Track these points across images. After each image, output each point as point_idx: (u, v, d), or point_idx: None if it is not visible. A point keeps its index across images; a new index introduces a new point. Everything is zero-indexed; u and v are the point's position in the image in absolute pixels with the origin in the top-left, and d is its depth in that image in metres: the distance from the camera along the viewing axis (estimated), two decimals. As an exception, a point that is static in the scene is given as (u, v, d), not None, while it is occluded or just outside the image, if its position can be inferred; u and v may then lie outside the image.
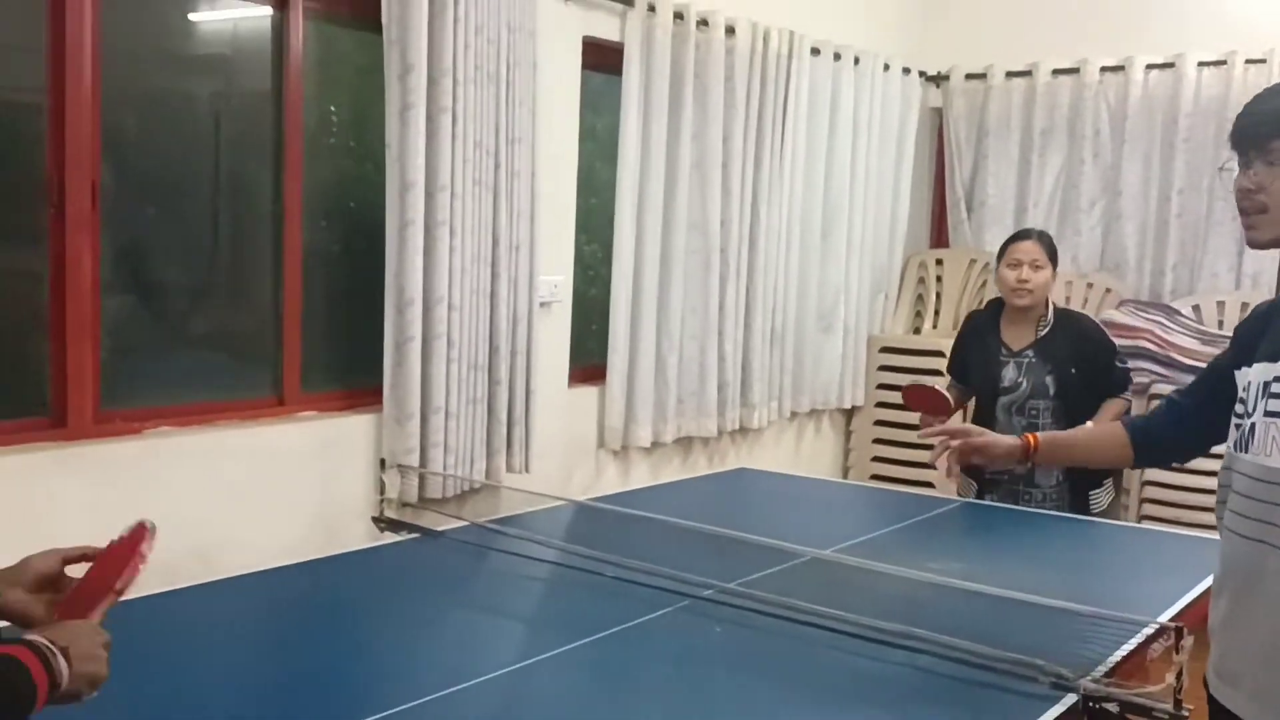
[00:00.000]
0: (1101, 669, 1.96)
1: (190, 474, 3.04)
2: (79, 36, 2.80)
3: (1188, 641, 1.85)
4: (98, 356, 2.91)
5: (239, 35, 3.31)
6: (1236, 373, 1.81)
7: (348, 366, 3.55)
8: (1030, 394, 3.47)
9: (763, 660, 2.03)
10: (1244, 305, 5.07)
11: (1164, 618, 2.24)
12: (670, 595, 2.29)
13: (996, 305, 3.63)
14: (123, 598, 1.37)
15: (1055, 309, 3.55)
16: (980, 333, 3.65)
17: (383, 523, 2.89)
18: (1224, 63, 5.07)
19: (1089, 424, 3.16)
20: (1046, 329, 3.49)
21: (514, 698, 1.86)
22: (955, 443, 2.19)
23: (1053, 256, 3.52)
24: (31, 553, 1.47)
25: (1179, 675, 1.83)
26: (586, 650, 2.03)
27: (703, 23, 4.30)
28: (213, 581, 2.45)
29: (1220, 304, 5.17)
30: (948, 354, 3.98)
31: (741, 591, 2.25)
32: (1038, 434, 2.17)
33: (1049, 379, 3.42)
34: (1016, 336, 3.53)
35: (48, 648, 1.19)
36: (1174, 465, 4.06)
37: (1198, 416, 1.99)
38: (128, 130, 3.04)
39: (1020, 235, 3.61)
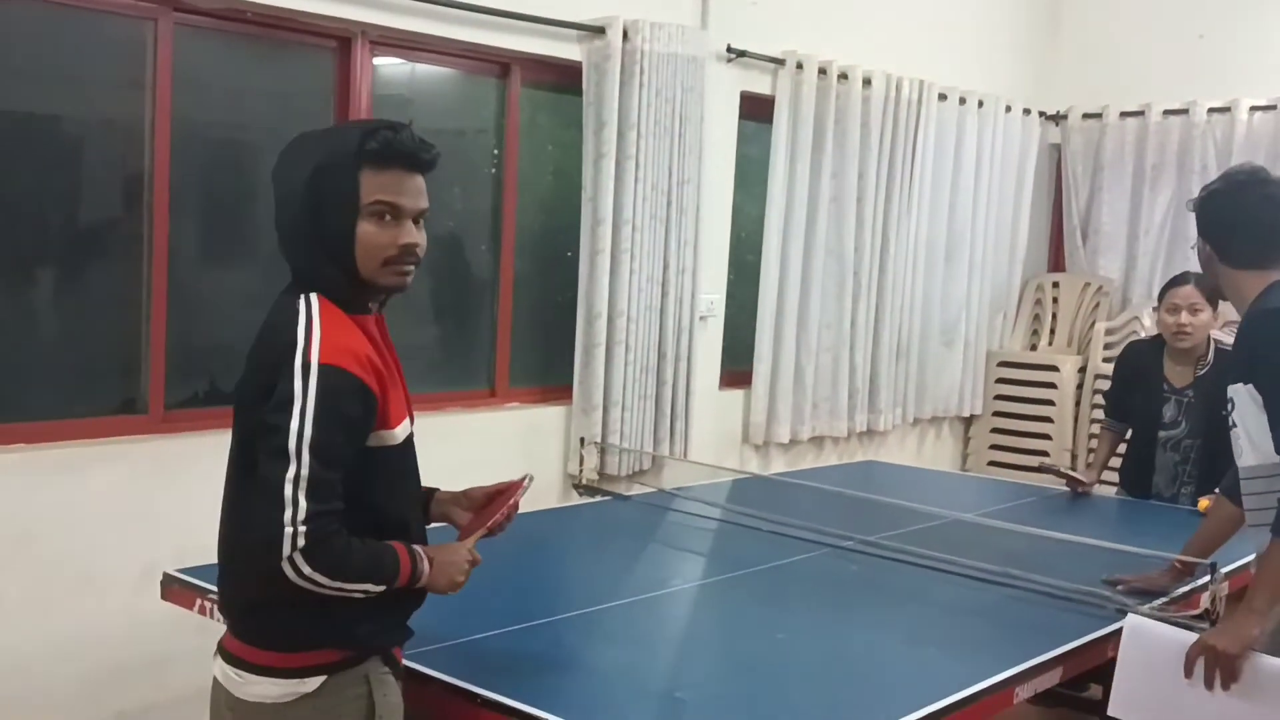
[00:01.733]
0: (1160, 600, 2.55)
1: (424, 453, 3.82)
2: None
3: (1220, 574, 2.43)
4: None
5: (466, 99, 4.11)
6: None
7: (545, 367, 4.32)
8: (1188, 434, 3.59)
9: (888, 590, 2.68)
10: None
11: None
12: (816, 545, 2.96)
13: (1159, 341, 3.69)
14: (496, 534, 1.90)
15: (1217, 348, 3.60)
16: (1142, 366, 3.72)
17: (581, 488, 3.64)
18: (1326, 105, 5.50)
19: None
20: (1206, 369, 3.56)
21: (698, 605, 2.56)
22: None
23: (1212, 298, 3.51)
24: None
25: (1214, 601, 2.41)
26: (747, 578, 2.71)
27: (843, 76, 4.96)
28: None
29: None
30: (1108, 383, 4.00)
31: (876, 542, 2.91)
32: (1188, 563, 2.60)
33: (1205, 419, 3.47)
34: (1178, 374, 3.62)
35: (418, 553, 1.78)
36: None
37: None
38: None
39: (1178, 280, 3.65)
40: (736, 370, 4.97)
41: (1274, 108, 5.65)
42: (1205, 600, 2.43)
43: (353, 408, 1.66)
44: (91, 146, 3.33)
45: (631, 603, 2.48)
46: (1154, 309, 6.07)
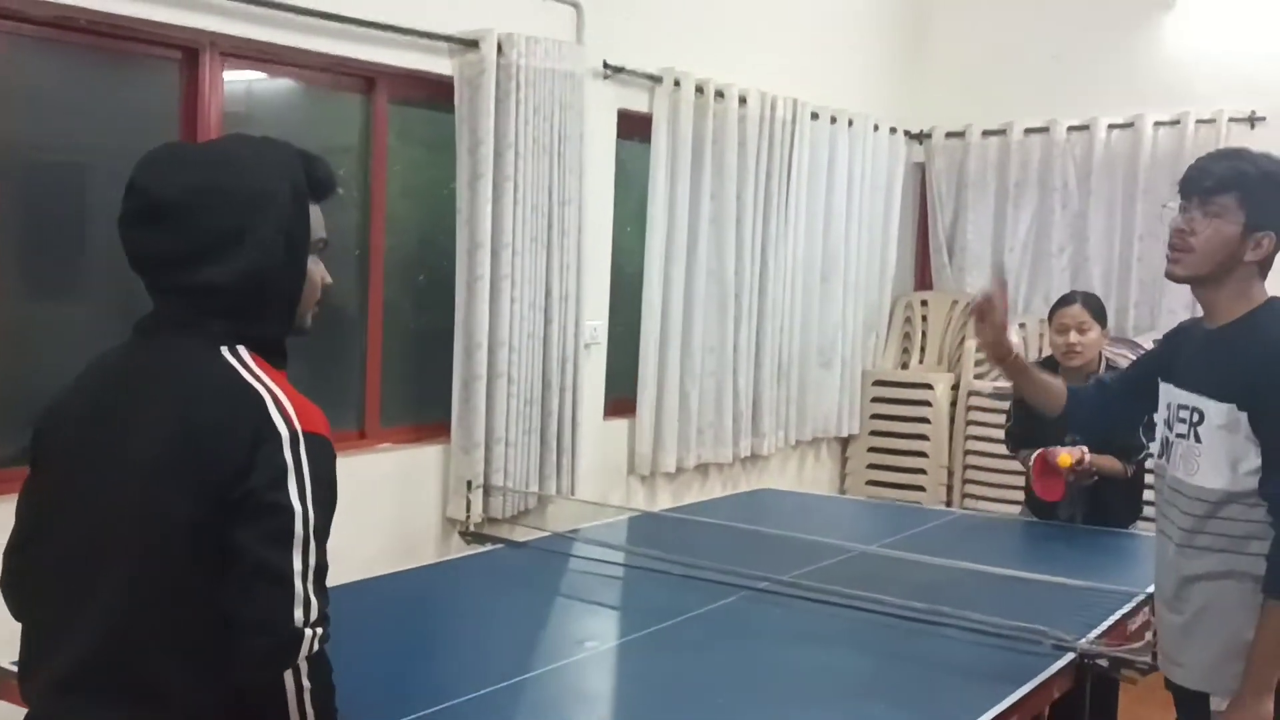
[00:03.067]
0: (1094, 632, 2.45)
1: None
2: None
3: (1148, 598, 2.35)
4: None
5: (329, 115, 3.80)
6: (1161, 383, 2.31)
7: (420, 404, 4.03)
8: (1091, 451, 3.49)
9: (820, 637, 2.51)
10: (1200, 340, 5.64)
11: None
12: (732, 587, 2.77)
13: (1051, 361, 3.66)
14: None
15: (1108, 364, 3.60)
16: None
17: (469, 535, 3.36)
18: (1177, 123, 5.66)
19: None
20: None
21: (622, 671, 2.33)
22: (980, 297, 2.43)
23: (1099, 316, 3.59)
24: None
25: (1155, 633, 2.33)
26: (671, 631, 2.50)
27: (720, 94, 4.83)
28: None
29: (1179, 339, 5.71)
30: (983, 399, 4.11)
31: (793, 582, 2.74)
32: (1018, 353, 2.51)
33: (1101, 438, 3.39)
34: None
35: None
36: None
37: (1120, 406, 2.49)
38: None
39: (1065, 300, 3.69)
40: (620, 398, 4.77)
41: (1130, 125, 5.80)
42: (1149, 635, 2.34)
43: (334, 483, 1.44)
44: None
45: (543, 674, 2.23)
46: (1020, 325, 6.24)
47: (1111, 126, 5.86)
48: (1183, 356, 2.27)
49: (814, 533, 3.59)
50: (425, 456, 3.92)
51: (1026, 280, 6.12)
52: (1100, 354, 3.69)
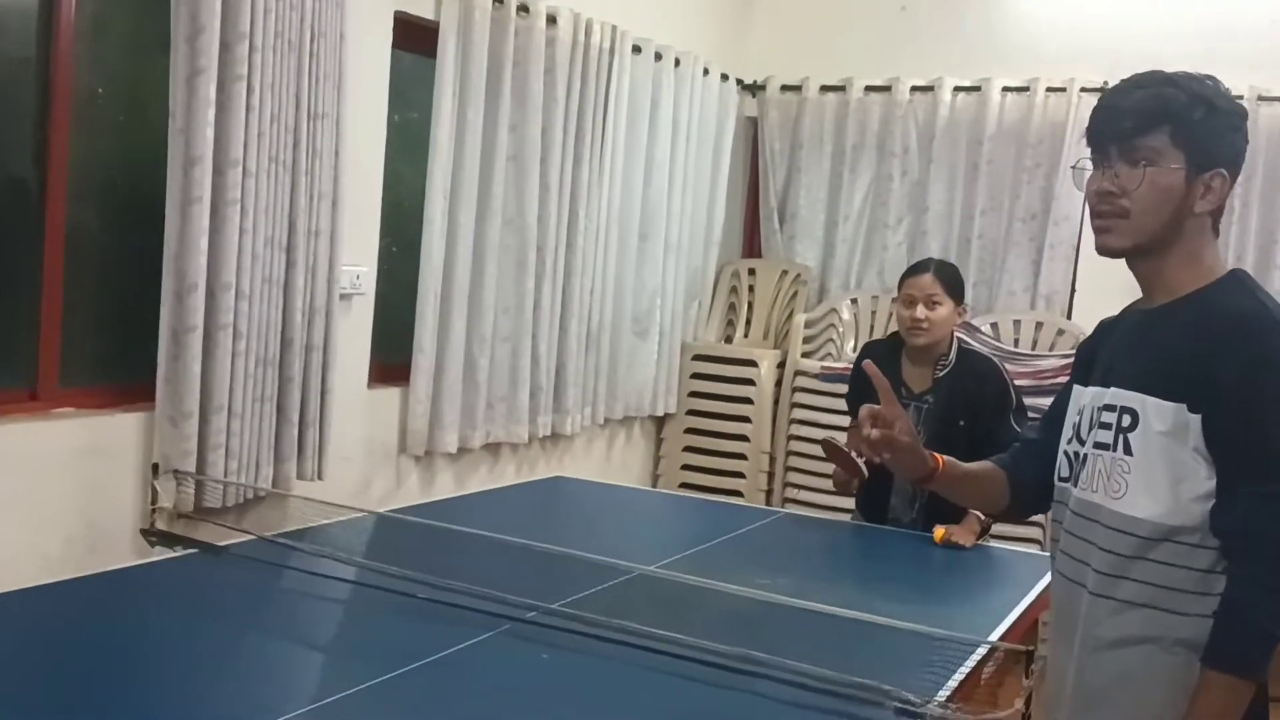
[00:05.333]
0: (944, 692, 1.86)
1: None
2: None
3: (1039, 665, 1.77)
4: None
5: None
6: (1074, 389, 1.74)
7: (117, 359, 3.16)
8: (927, 445, 3.14)
9: (595, 689, 1.84)
10: (1039, 324, 5.26)
11: (995, 634, 2.18)
12: (491, 618, 2.06)
13: (898, 339, 3.24)
14: None
15: (960, 348, 3.19)
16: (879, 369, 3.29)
17: (154, 536, 2.54)
18: (1026, 89, 5.23)
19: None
20: (945, 370, 3.12)
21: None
22: (875, 433, 1.75)
23: (954, 290, 3.15)
24: None
25: (1028, 701, 1.75)
26: (401, 682, 1.78)
27: (523, 9, 4.09)
28: None
29: (1016, 322, 5.33)
30: (810, 380, 3.67)
31: (568, 613, 2.05)
32: (942, 456, 1.84)
33: (945, 429, 3.01)
34: (917, 377, 3.16)
35: None
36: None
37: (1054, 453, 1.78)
38: None
39: (916, 269, 3.24)
40: (391, 364, 3.99)
41: (978, 89, 5.34)
42: (1020, 702, 1.75)
43: None
44: None
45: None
46: (852, 300, 5.75)
47: (957, 89, 5.39)
48: (1106, 350, 1.68)
49: (608, 535, 2.94)
50: (121, 427, 3.05)
51: (860, 253, 5.63)
52: (952, 334, 3.18)
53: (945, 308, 3.10)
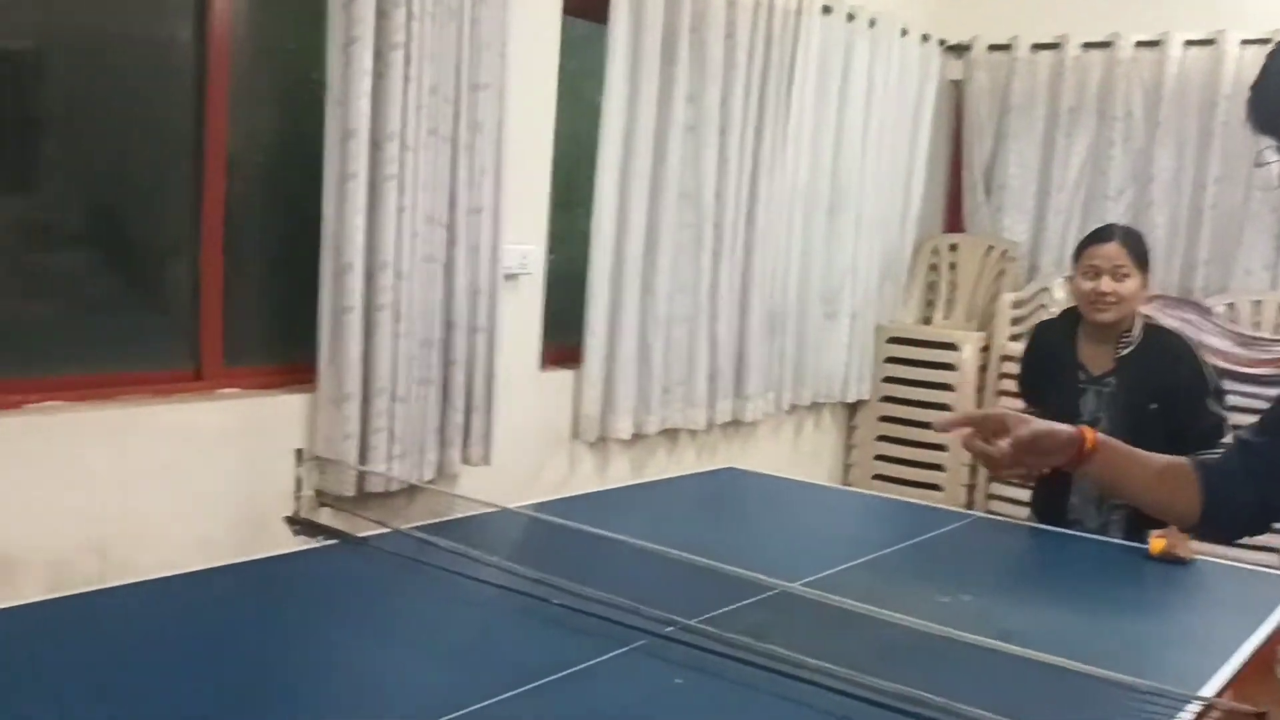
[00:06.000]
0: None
1: (85, 457, 2.62)
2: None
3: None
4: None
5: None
6: None
7: (280, 339, 3.13)
8: (1111, 432, 2.77)
9: (731, 723, 1.60)
10: (1284, 305, 4.66)
11: (1216, 683, 1.81)
12: (625, 631, 1.86)
13: (1073, 315, 2.92)
14: None
15: (1146, 324, 2.85)
16: (1053, 350, 2.93)
17: (297, 524, 2.46)
18: (1268, 40, 4.61)
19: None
20: (1129, 348, 2.79)
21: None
22: (977, 445, 1.44)
23: (1141, 260, 2.81)
24: None
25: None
26: (517, 704, 1.60)
27: (702, -32, 3.86)
28: (107, 589, 2.04)
29: (1257, 304, 4.74)
30: (962, 346, 3.42)
31: (709, 631, 1.82)
32: (1097, 434, 1.51)
33: (1131, 415, 2.70)
34: (1097, 357, 2.83)
35: None
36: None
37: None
38: (13, 51, 2.60)
39: (1098, 236, 2.88)
40: (566, 346, 3.85)
41: (1211, 42, 4.76)
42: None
43: None
44: None
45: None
46: (1067, 278, 5.25)
47: (1188, 43, 4.82)
48: None
49: (775, 535, 2.69)
50: (285, 408, 3.02)
51: (1076, 227, 5.11)
52: (1136, 312, 2.82)
53: (1134, 280, 2.76)
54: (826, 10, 4.45)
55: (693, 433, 4.31)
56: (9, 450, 2.49)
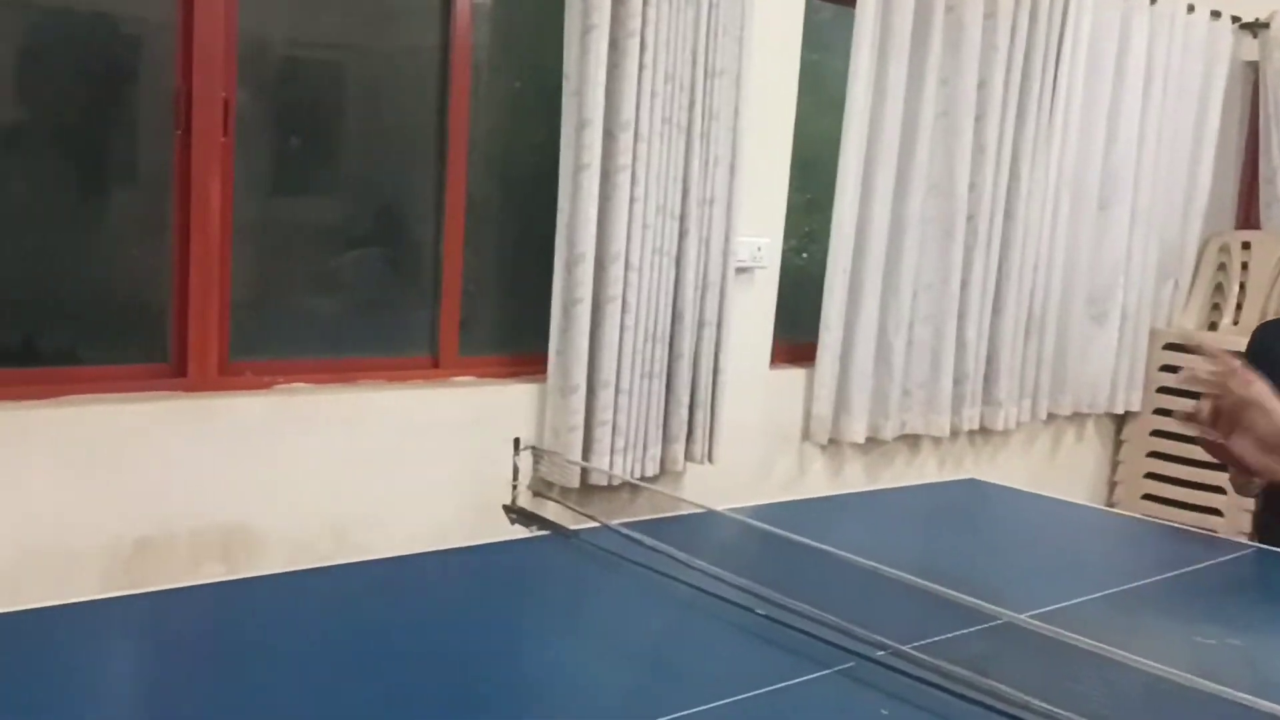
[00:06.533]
0: None
1: (325, 437, 2.74)
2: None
3: None
4: (226, 302, 2.64)
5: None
6: None
7: (515, 329, 3.17)
8: None
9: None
10: None
11: None
12: (832, 651, 1.72)
13: None
14: None
15: None
16: (1276, 358, 2.68)
17: (514, 513, 2.46)
18: None
19: None
20: None
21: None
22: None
23: None
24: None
25: None
26: (713, 717, 1.50)
27: (960, -56, 3.63)
28: (338, 565, 2.10)
29: None
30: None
31: (923, 659, 1.66)
32: None
33: None
34: None
35: None
36: None
37: None
38: (271, 43, 2.73)
39: None
40: (799, 343, 3.72)
41: None
42: None
43: None
44: None
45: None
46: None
47: None
48: None
49: (1013, 557, 2.45)
50: (516, 396, 3.06)
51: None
52: None
53: None
54: (1101, -15, 4.10)
55: (936, 440, 4.08)
56: (259, 428, 2.63)
